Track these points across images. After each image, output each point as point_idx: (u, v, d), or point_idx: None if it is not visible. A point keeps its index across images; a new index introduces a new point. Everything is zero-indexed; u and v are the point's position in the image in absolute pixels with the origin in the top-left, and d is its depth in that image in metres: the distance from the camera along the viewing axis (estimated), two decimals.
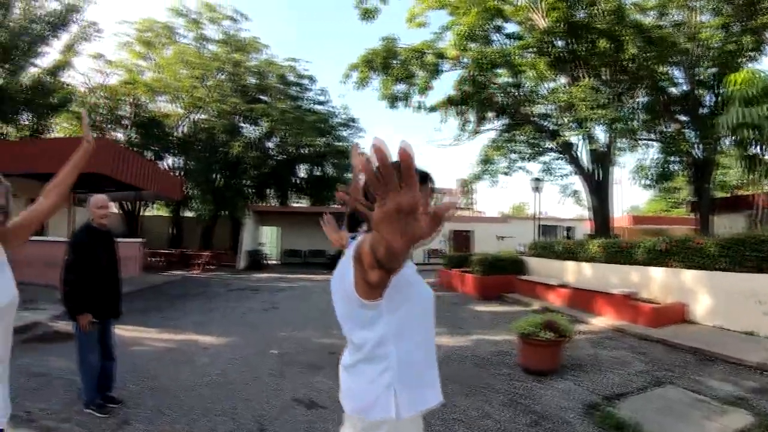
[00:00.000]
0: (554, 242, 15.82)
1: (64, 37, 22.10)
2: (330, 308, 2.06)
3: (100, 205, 4.87)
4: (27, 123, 21.91)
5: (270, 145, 30.13)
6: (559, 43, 18.67)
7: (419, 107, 22.00)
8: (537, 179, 21.21)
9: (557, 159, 22.23)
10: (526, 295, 13.75)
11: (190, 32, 28.63)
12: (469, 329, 9.42)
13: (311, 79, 30.86)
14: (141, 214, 27.56)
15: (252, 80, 28.77)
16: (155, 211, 33.73)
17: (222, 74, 27.78)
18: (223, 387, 5.71)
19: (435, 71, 20.53)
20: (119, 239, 5.62)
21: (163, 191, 19.42)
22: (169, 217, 30.58)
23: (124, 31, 27.68)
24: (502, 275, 14.68)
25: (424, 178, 1.91)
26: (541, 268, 14.82)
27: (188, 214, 29.89)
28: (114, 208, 31.74)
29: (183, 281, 17.84)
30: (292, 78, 30.06)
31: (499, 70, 20.31)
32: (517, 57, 19.33)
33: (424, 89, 21.19)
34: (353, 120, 31.23)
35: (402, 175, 1.11)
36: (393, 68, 20.36)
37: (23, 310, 10.20)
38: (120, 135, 26.71)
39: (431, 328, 1.99)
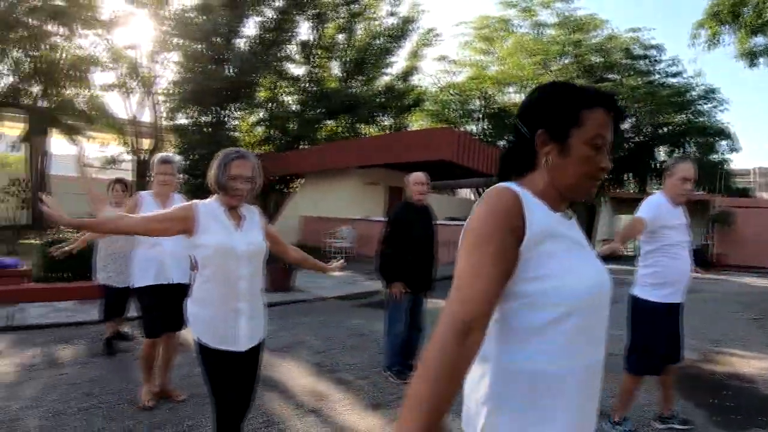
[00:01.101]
0: None
1: (407, 46, 25.19)
2: None
3: (418, 182, 5.04)
4: (386, 123, 25.25)
5: (626, 126, 27.41)
6: None
7: None
8: None
9: None
10: None
11: (524, 21, 28.81)
12: None
13: (659, 48, 27.43)
14: None
15: (596, 59, 27.13)
16: None
17: (565, 57, 27.15)
18: None
19: None
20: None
21: None
22: None
23: (462, 31, 29.44)
24: None
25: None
26: None
27: None
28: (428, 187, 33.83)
29: None
30: (637, 50, 27.33)
31: None
32: None
33: None
34: (713, 91, 26.48)
35: None
36: (744, 18, 17.19)
37: (366, 279, 11.47)
38: (473, 128, 28.52)
39: (587, 339, 1.31)
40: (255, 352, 2.80)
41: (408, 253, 4.91)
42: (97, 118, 18.93)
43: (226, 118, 20.54)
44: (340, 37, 23.83)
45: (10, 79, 18.62)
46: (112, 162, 20.59)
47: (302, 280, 10.24)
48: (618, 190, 27.76)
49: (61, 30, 18.55)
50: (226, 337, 2.65)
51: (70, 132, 18.81)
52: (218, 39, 19.14)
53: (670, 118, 24.62)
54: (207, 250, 2.60)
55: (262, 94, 22.23)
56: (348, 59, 23.74)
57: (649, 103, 24.22)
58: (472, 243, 1.23)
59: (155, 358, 4.21)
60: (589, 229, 25.21)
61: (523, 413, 1.24)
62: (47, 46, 18.45)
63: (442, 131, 16.54)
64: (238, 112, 21.23)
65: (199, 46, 19.31)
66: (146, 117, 20.94)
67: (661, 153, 28.23)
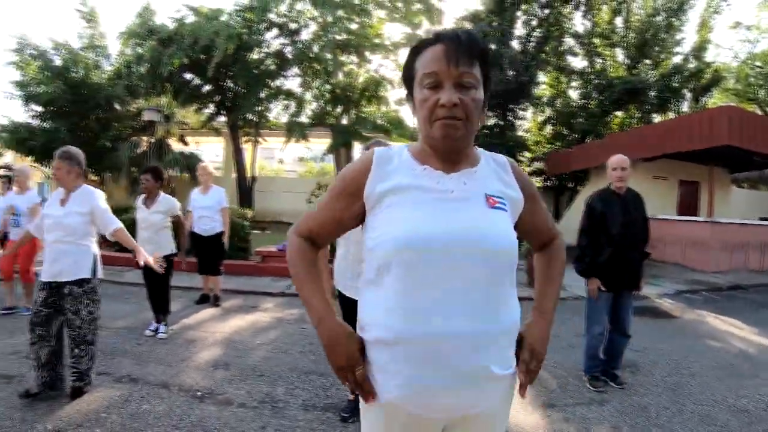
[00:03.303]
0: None
1: (693, 18, 22.08)
2: None
3: (614, 167, 4.60)
4: (684, 109, 22.53)
5: None
6: None
7: None
8: None
9: None
10: None
11: None
12: None
13: None
14: None
15: None
16: None
17: None
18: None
19: None
20: None
21: None
22: None
23: None
24: None
25: None
26: None
27: None
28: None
29: None
30: None
31: None
32: None
33: None
34: None
35: None
36: None
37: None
38: None
39: (420, 292, 1.31)
40: None
41: (605, 246, 4.52)
42: (391, 130, 20.73)
43: (512, 119, 20.81)
44: (618, 21, 22.35)
45: (315, 105, 21.43)
46: None
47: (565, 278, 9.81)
48: None
49: (353, 58, 20.76)
50: (346, 287, 3.67)
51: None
52: (491, 44, 19.59)
53: None
54: None
55: (546, 92, 22.18)
56: (628, 43, 22.12)
57: None
58: (331, 184, 1.55)
59: None
60: None
61: (371, 357, 1.39)
62: (342, 74, 20.84)
63: (718, 110, 14.01)
64: (523, 112, 21.34)
65: None
66: None
67: None
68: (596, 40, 22.19)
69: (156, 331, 5.94)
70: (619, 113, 22.14)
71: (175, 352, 5.36)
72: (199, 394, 4.24)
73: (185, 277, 9.04)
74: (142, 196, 6.08)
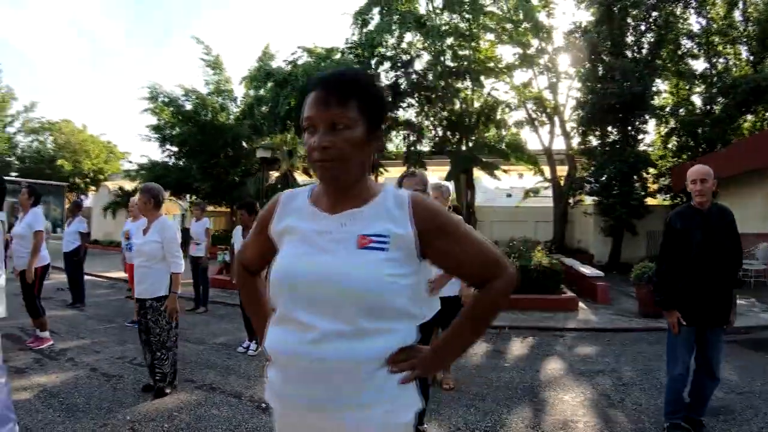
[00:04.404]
0: None
1: None
2: None
3: (693, 179, 3.85)
4: None
5: None
6: None
7: None
8: None
9: None
10: None
11: None
12: None
13: None
14: None
15: None
16: None
17: None
18: None
19: None
20: None
21: None
22: None
23: None
24: None
25: None
26: None
27: None
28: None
29: None
30: None
31: None
32: None
33: None
34: None
35: None
36: None
37: (765, 311, 9.35)
38: None
39: (290, 322, 1.39)
40: None
41: (686, 271, 3.83)
42: (510, 154, 20.53)
43: (633, 133, 19.82)
44: (736, 14, 20.11)
45: (433, 133, 21.78)
46: (535, 192, 22.02)
47: None
48: None
49: (467, 84, 20.81)
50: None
51: (488, 168, 20.85)
52: (603, 56, 18.93)
53: None
54: None
55: (667, 101, 20.76)
56: (749, 37, 19.82)
57: None
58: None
59: None
60: None
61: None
62: (458, 100, 21.01)
63: None
64: (643, 125, 20.18)
65: (587, 66, 19.37)
66: (558, 145, 21.55)
67: None
68: (715, 38, 20.20)
69: (247, 348, 6.46)
70: (749, 117, 19.86)
71: (258, 368, 5.69)
72: (263, 405, 4.41)
73: None
74: (240, 227, 6.78)
